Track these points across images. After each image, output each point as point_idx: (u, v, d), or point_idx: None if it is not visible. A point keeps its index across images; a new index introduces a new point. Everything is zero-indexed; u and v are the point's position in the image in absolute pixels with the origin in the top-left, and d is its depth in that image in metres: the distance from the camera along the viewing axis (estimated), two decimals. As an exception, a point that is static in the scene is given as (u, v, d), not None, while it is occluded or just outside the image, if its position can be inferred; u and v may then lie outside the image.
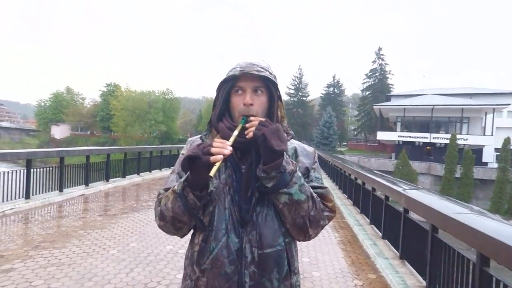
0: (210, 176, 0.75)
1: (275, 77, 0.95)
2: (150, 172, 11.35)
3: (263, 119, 0.86)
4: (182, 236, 0.95)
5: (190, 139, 1.06)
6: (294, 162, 0.88)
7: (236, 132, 0.85)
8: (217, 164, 0.75)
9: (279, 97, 0.96)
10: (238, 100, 0.92)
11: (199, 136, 1.03)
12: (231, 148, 0.78)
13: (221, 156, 0.75)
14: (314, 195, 0.90)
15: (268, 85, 0.93)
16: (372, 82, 45.43)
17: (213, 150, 0.76)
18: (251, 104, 0.90)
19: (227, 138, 0.85)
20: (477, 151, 25.87)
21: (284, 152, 0.84)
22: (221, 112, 0.95)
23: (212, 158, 0.76)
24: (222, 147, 0.77)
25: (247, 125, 0.85)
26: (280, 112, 0.97)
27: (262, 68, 0.91)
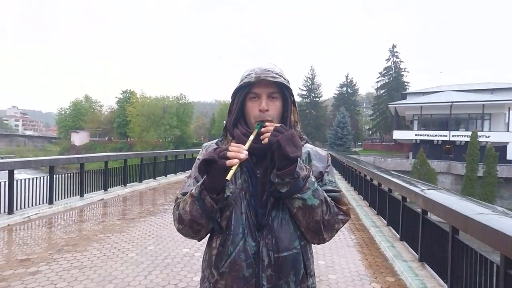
0: (227, 179, 0.77)
1: (288, 82, 0.96)
2: (166, 176, 11.56)
3: (278, 125, 0.86)
4: (199, 240, 0.97)
5: (205, 144, 1.08)
6: (308, 167, 0.89)
7: (252, 137, 0.86)
8: (234, 168, 0.77)
9: (293, 102, 0.98)
10: (253, 106, 0.94)
11: (214, 141, 1.05)
12: (247, 153, 0.79)
13: (237, 160, 0.77)
14: (328, 199, 0.90)
15: (282, 90, 0.96)
16: (387, 80, 44.44)
17: (229, 154, 0.78)
18: (267, 110, 0.92)
19: (242, 144, 0.86)
20: (501, 148, 24.74)
21: (298, 158, 0.85)
22: (236, 118, 0.97)
23: (227, 162, 0.77)
24: (238, 151, 0.78)
25: (263, 129, 0.86)
26: (293, 117, 0.99)
27: (277, 74, 0.93)
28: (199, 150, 1.09)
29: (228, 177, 0.76)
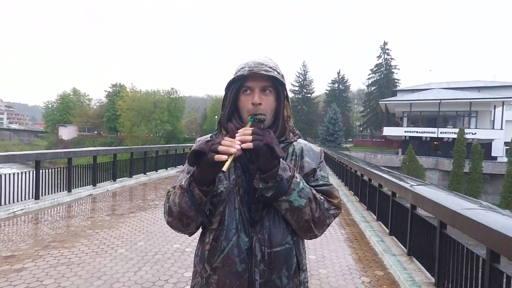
0: (223, 171, 0.75)
1: (282, 76, 0.96)
2: (157, 171, 11.44)
3: (250, 129, 0.81)
4: (190, 235, 0.97)
5: (198, 138, 1.07)
6: (292, 167, 0.88)
7: None
8: (229, 160, 0.75)
9: (286, 96, 0.97)
10: (246, 100, 0.93)
11: (208, 135, 1.04)
12: (239, 147, 0.77)
13: (225, 156, 0.75)
14: (317, 196, 0.90)
15: (275, 84, 0.94)
16: (378, 77, 44.91)
17: (220, 148, 0.76)
18: (260, 104, 0.91)
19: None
20: (486, 145, 25.41)
21: (281, 159, 0.84)
22: (230, 112, 0.96)
23: (216, 157, 0.75)
24: (230, 146, 0.76)
25: (239, 138, 0.79)
26: (286, 111, 0.98)
27: (270, 68, 0.92)
28: (191, 145, 1.08)
29: (225, 168, 0.74)
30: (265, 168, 0.82)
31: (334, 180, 11.16)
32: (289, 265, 0.90)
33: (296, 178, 0.86)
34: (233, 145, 0.77)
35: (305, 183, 0.89)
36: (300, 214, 0.87)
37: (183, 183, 0.86)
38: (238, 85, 0.93)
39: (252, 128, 0.82)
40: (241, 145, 0.78)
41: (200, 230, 0.98)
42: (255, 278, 0.87)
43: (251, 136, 0.79)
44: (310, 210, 0.87)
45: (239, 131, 0.82)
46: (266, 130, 0.85)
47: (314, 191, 0.90)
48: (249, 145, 0.78)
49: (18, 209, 5.35)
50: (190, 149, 1.03)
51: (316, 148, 1.04)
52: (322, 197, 0.92)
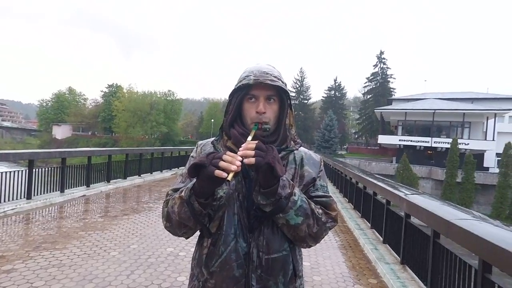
0: (228, 180, 0.75)
1: (286, 85, 0.97)
2: (151, 173, 11.36)
3: (254, 143, 0.81)
4: (187, 238, 0.97)
5: (200, 142, 1.08)
6: (291, 183, 0.88)
7: (249, 139, 0.85)
8: (230, 174, 0.75)
9: (290, 105, 0.98)
10: (250, 108, 0.94)
11: (210, 139, 1.05)
12: (239, 164, 0.76)
13: (225, 174, 0.74)
14: (316, 210, 0.90)
15: (280, 93, 0.96)
16: (374, 86, 45.44)
17: (221, 164, 0.76)
18: (264, 112, 0.92)
19: (239, 143, 0.87)
20: (478, 156, 25.79)
21: (281, 177, 0.83)
22: (233, 119, 0.97)
23: (216, 172, 0.75)
24: (231, 162, 0.76)
25: (241, 153, 0.79)
26: (289, 120, 0.99)
27: (275, 77, 0.93)
28: (187, 148, 1.08)
29: (229, 178, 0.75)
30: (264, 185, 0.83)
31: (329, 187, 11.18)
32: (286, 271, 0.90)
33: (294, 195, 0.86)
34: (234, 161, 0.76)
35: (303, 199, 0.88)
36: (296, 231, 0.88)
37: (183, 194, 0.86)
38: (243, 93, 0.94)
39: (256, 142, 0.82)
40: (243, 160, 0.78)
41: (197, 233, 0.98)
42: (252, 284, 0.87)
43: (254, 152, 0.79)
44: (307, 227, 0.88)
45: (242, 145, 0.81)
46: (269, 146, 0.84)
47: (313, 206, 0.90)
48: (251, 160, 0.78)
49: (9, 208, 5.26)
50: (186, 152, 1.03)
51: (316, 156, 1.05)
52: (320, 210, 0.92)
